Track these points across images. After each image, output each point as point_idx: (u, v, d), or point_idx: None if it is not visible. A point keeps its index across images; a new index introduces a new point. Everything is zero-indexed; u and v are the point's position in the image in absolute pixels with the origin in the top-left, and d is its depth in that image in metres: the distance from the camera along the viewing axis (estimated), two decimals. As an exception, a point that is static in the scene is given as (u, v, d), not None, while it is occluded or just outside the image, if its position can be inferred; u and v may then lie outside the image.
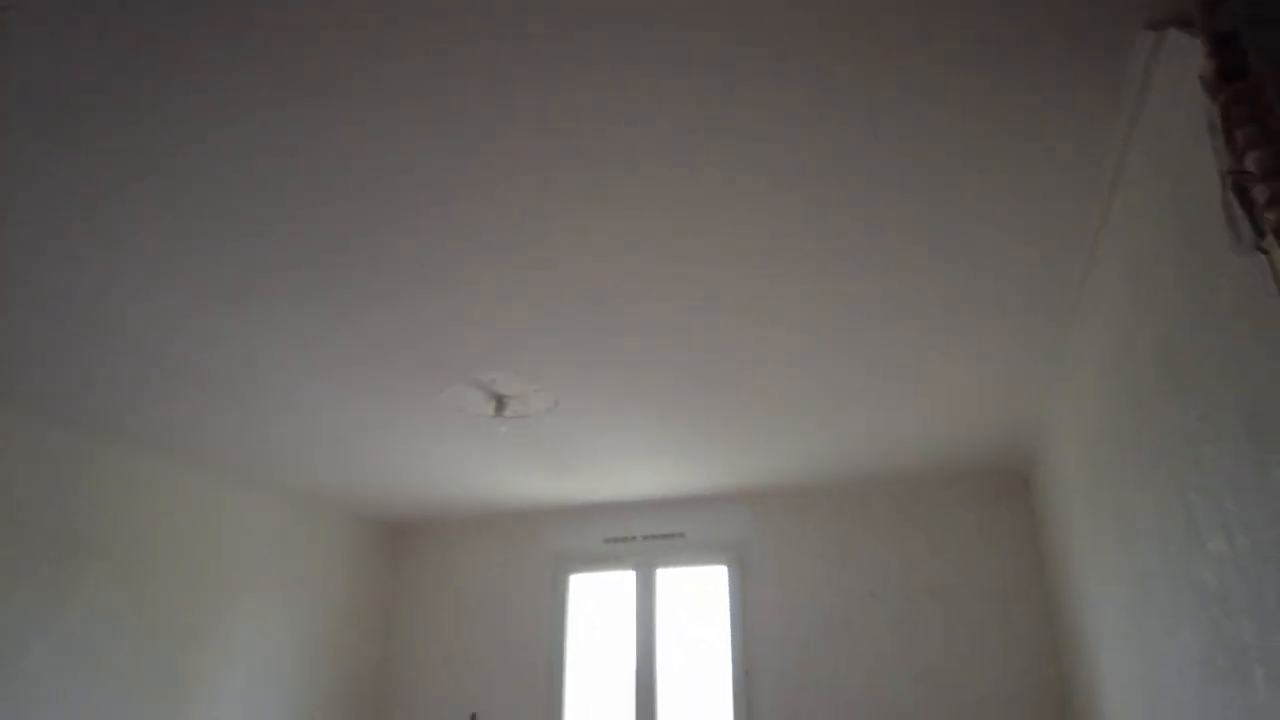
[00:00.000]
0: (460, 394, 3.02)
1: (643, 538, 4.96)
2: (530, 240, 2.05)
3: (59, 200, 1.89)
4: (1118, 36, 1.44)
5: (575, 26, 1.42)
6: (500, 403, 3.07)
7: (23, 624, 3.29)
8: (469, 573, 5.33)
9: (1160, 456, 1.88)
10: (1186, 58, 1.34)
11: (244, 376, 2.92)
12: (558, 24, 1.42)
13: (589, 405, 3.21)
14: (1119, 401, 2.18)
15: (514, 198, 1.88)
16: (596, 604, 5.04)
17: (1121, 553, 2.41)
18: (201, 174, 1.81)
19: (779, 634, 4.56)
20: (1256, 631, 1.41)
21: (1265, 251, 1.11)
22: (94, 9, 1.37)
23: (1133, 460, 2.13)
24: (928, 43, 1.45)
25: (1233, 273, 1.29)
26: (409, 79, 1.54)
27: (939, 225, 2.00)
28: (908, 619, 4.37)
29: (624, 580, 4.96)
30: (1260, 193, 1.05)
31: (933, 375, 2.95)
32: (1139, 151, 1.68)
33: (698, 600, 4.78)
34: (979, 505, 4.45)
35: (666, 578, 4.93)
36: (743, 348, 2.70)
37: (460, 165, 1.77)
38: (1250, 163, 1.06)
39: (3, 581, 3.22)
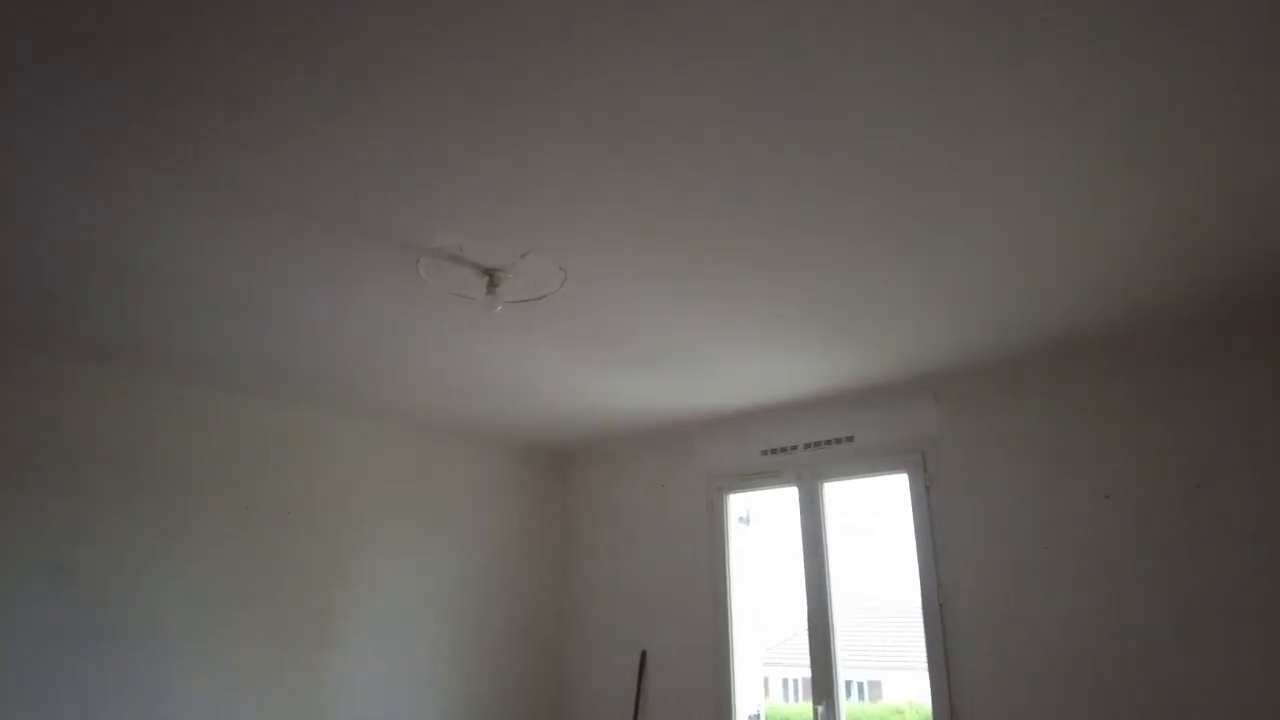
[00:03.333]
0: (436, 269, 2.53)
1: (804, 446, 4.13)
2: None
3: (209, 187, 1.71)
4: None
5: None
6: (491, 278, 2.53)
7: (166, 569, 3.46)
8: (626, 498, 4.87)
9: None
10: None
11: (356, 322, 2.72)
12: None
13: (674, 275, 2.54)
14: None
15: None
16: (758, 526, 4.32)
17: None
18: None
19: (978, 555, 3.50)
20: None
21: None
22: None
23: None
24: None
25: None
26: None
27: None
28: (1159, 527, 3.09)
29: (786, 497, 4.17)
30: None
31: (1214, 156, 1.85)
32: None
33: (874, 517, 3.86)
34: (1272, 355, 3.00)
35: (835, 491, 4.05)
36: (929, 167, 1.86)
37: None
38: None
39: (149, 530, 3.40)
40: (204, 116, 1.78)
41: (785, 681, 10.86)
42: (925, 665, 3.58)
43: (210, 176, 2.02)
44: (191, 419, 3.68)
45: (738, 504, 4.42)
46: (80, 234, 2.32)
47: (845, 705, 3.79)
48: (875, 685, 10.81)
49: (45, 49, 1.56)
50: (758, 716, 4.42)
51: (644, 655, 4.48)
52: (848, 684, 3.84)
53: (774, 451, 4.22)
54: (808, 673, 3.84)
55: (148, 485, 3.49)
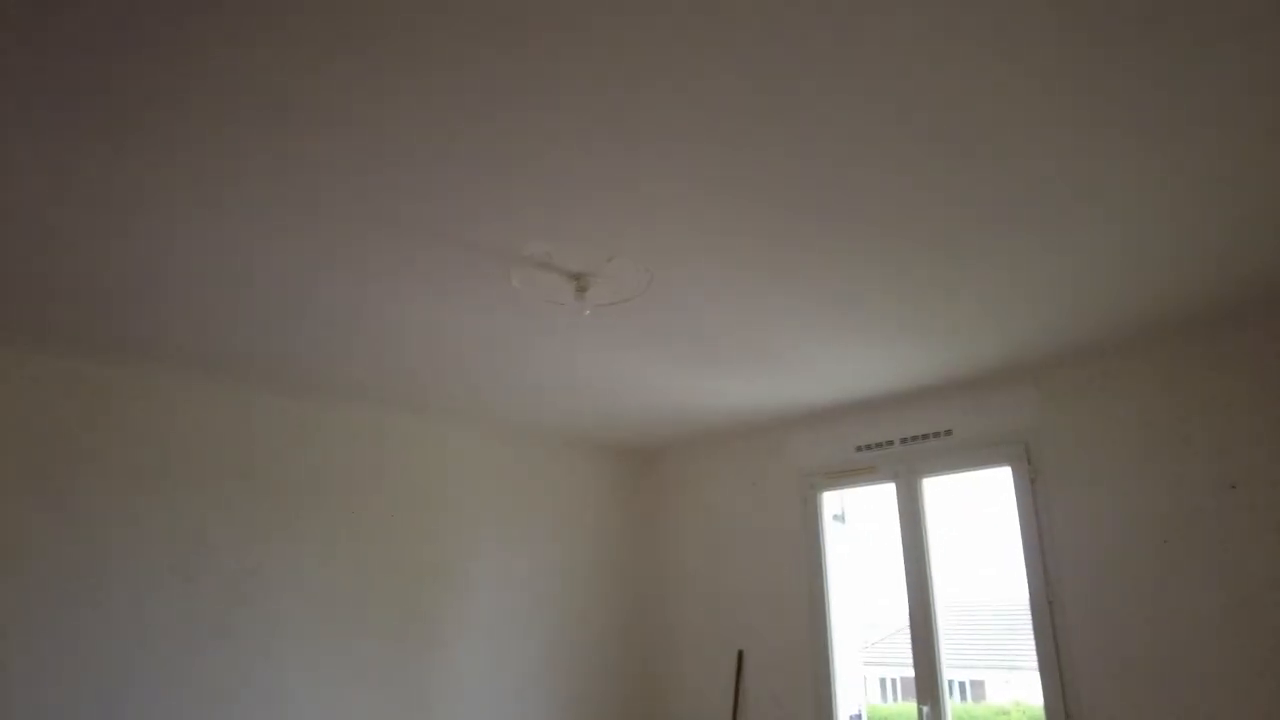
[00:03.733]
0: (529, 278, 2.58)
1: (900, 441, 4.03)
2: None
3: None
4: None
5: None
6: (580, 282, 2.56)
7: (283, 573, 3.64)
8: (718, 497, 4.86)
9: None
10: None
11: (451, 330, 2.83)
12: None
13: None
14: None
15: None
16: (855, 524, 4.24)
17: None
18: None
19: (1090, 550, 3.35)
20: None
21: None
22: None
23: None
24: None
25: None
26: None
27: None
28: (1293, 520, 2.89)
29: (883, 494, 4.08)
30: None
31: None
32: None
33: (976, 513, 3.73)
34: None
35: (934, 487, 3.94)
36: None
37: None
38: None
39: (267, 536, 3.60)
40: (312, 142, 1.86)
41: (883, 681, 10.64)
42: (1033, 665, 3.45)
43: (314, 197, 2.12)
44: (304, 430, 3.86)
45: (832, 501, 4.35)
46: (206, 253, 2.46)
47: (950, 705, 3.69)
48: (978, 685, 10.47)
49: (169, 95, 1.67)
50: (859, 717, 4.35)
51: (741, 654, 4.46)
52: (949, 683, 3.73)
53: (869, 447, 4.13)
54: (905, 672, 3.77)
55: (265, 494, 3.68)
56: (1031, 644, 3.48)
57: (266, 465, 3.72)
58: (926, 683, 3.68)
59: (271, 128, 1.81)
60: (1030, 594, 3.48)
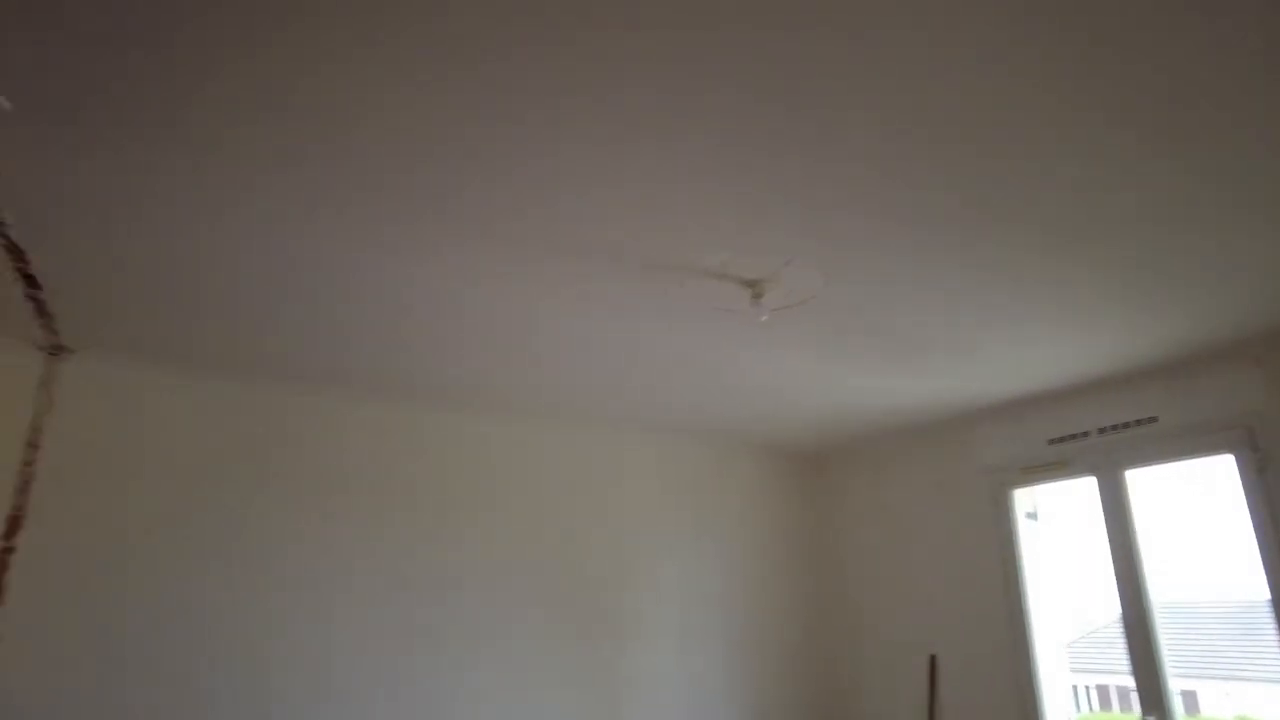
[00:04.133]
0: (704, 288, 2.61)
1: (1098, 431, 3.75)
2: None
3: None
4: None
5: None
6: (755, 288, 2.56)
7: (482, 580, 3.87)
8: (897, 497, 4.70)
9: None
10: None
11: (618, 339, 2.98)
12: None
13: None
14: None
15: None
16: (1050, 521, 3.98)
17: None
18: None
19: (1341, 544, 2.98)
20: None
21: None
22: None
23: None
24: None
25: None
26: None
27: None
28: None
29: (1082, 489, 3.82)
30: None
31: None
32: None
33: (1192, 506, 3.41)
34: None
35: (1140, 479, 3.64)
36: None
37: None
38: None
39: (467, 547, 3.85)
40: (488, 173, 1.97)
41: (1075, 689, 9.88)
42: (1269, 676, 3.11)
43: (489, 228, 2.24)
44: (506, 446, 4.12)
45: (1024, 499, 4.11)
46: (382, 283, 2.66)
47: (1181, 718, 3.39)
48: (1190, 695, 9.52)
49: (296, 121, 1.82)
50: (1069, 727, 4.06)
51: (933, 659, 4.29)
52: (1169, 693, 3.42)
53: (1063, 440, 3.88)
54: (1104, 679, 3.48)
55: (463, 507, 3.94)
56: (1264, 651, 3.15)
57: (460, 482, 3.97)
58: (1151, 693, 3.39)
59: (445, 160, 1.93)
60: (1272, 593, 3.15)
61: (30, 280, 2.54)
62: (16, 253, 2.35)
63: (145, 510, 3.26)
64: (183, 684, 3.18)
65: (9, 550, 3.00)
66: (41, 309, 2.78)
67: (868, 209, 2.16)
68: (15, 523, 3.03)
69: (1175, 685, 3.44)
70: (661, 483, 4.60)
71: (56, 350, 3.17)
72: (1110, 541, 3.63)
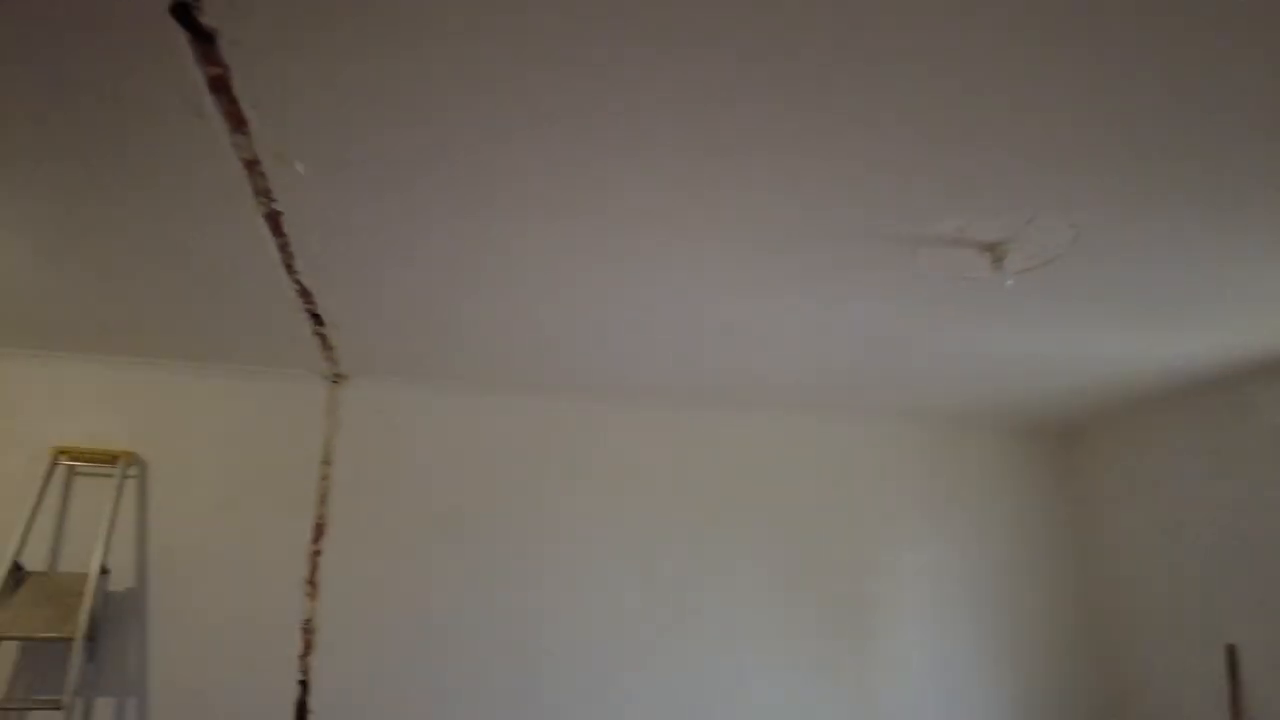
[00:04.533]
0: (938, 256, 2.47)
1: None
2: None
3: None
4: None
5: None
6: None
7: (730, 570, 3.97)
8: (1165, 469, 4.20)
9: None
10: None
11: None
12: None
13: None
14: None
15: None
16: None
17: None
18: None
19: None
20: None
21: None
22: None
23: None
24: None
25: None
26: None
27: None
28: None
29: None
30: None
31: None
32: None
33: None
34: None
35: None
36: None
37: None
38: None
39: (715, 537, 3.96)
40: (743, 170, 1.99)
41: None
42: None
43: (734, 228, 2.26)
44: (733, 439, 4.18)
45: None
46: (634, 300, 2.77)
47: None
48: None
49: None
50: None
51: (1232, 649, 3.79)
52: None
53: (1382, 390, 3.29)
54: None
55: (708, 500, 4.05)
56: None
57: (702, 477, 4.09)
58: None
59: (702, 166, 1.97)
60: None
61: (317, 318, 2.91)
62: (305, 294, 2.70)
63: (422, 512, 3.64)
64: (465, 663, 3.52)
65: (317, 553, 3.46)
66: (325, 342, 3.18)
67: (1125, 147, 1.95)
68: (320, 529, 3.49)
69: None
70: (899, 468, 4.44)
71: (338, 378, 3.61)
72: None
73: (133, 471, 3.42)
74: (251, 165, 1.97)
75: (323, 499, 3.53)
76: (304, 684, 3.35)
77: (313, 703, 3.34)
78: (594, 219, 2.24)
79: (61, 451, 3.35)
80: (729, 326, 3.05)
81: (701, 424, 4.15)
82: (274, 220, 2.21)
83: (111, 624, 3.29)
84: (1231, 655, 3.79)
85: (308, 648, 3.39)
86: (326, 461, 3.57)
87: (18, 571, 3.16)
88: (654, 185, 2.06)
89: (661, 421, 4.08)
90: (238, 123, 1.81)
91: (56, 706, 2.97)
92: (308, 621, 3.41)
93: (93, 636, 3.17)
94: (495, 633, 3.59)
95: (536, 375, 3.64)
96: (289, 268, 2.49)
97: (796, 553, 4.10)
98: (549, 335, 3.13)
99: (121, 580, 3.33)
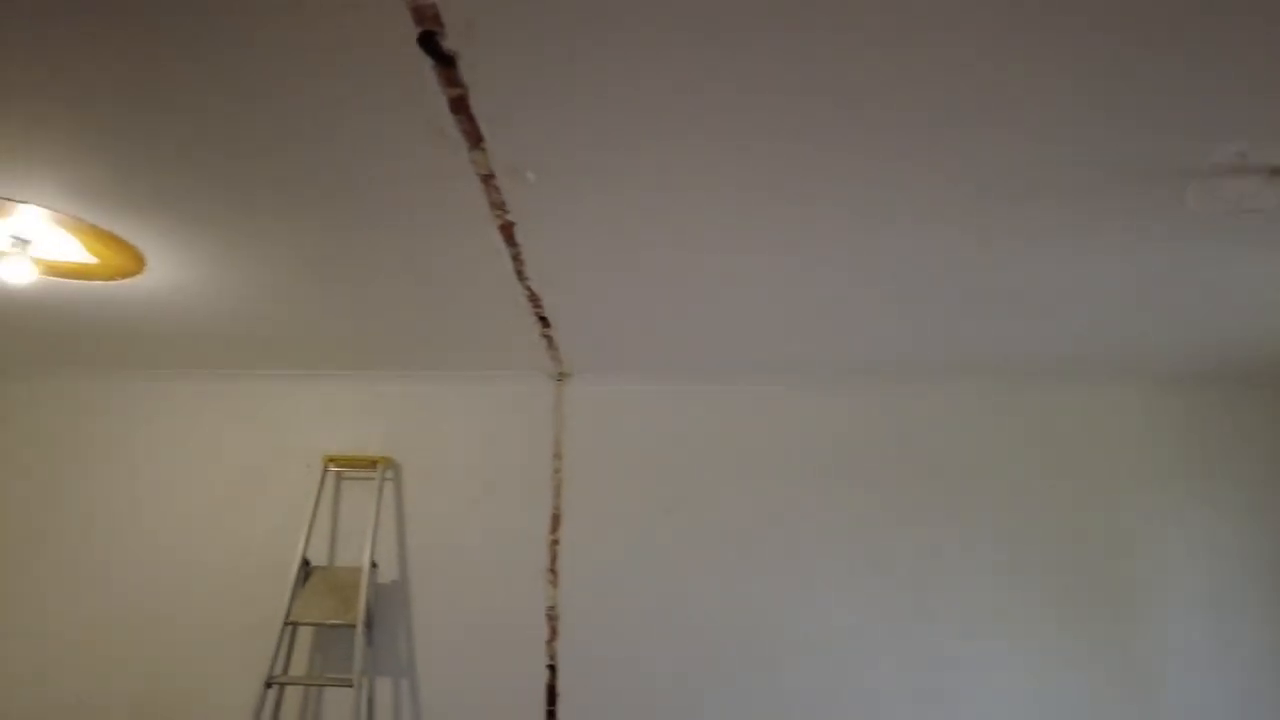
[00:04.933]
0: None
1: None
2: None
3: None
4: None
5: None
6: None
7: (963, 558, 3.76)
8: None
9: None
10: None
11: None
12: None
13: None
14: None
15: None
16: None
17: None
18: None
19: None
20: None
21: None
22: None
23: None
24: None
25: None
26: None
27: None
28: None
29: None
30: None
31: None
32: None
33: None
34: None
35: None
36: None
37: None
38: None
39: (947, 521, 3.78)
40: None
41: None
42: None
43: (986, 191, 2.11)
44: (963, 416, 3.94)
45: None
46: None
47: None
48: None
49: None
50: None
51: None
52: None
53: None
54: None
55: (942, 483, 3.83)
56: None
57: (936, 457, 3.87)
58: None
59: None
60: None
61: (544, 320, 3.05)
62: (534, 299, 2.84)
63: (648, 500, 3.73)
64: (699, 646, 3.58)
65: (555, 542, 3.65)
66: (550, 343, 3.34)
67: None
68: (556, 520, 3.67)
69: None
70: (1152, 437, 3.96)
71: (561, 376, 3.78)
72: None
73: (389, 474, 3.77)
74: (487, 179, 2.08)
75: (557, 491, 3.71)
76: (552, 668, 3.54)
77: (560, 685, 3.53)
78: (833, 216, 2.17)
79: (331, 459, 3.75)
80: (1022, 289, 2.85)
81: (928, 400, 3.92)
82: (507, 231, 2.33)
83: (383, 613, 3.64)
84: None
85: (553, 633, 3.57)
86: (558, 455, 3.75)
87: (306, 566, 3.58)
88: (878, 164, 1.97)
89: (879, 401, 3.91)
90: (475, 140, 1.91)
91: (348, 684, 3.33)
92: (551, 608, 3.60)
93: (369, 624, 3.52)
94: (728, 617, 3.61)
95: (749, 360, 3.61)
96: (519, 275, 2.62)
97: (1041, 533, 3.78)
98: (771, 326, 3.09)
99: (388, 573, 3.68)
